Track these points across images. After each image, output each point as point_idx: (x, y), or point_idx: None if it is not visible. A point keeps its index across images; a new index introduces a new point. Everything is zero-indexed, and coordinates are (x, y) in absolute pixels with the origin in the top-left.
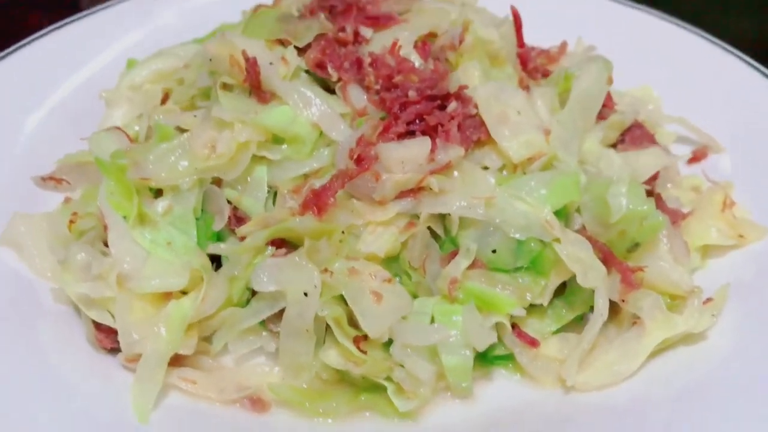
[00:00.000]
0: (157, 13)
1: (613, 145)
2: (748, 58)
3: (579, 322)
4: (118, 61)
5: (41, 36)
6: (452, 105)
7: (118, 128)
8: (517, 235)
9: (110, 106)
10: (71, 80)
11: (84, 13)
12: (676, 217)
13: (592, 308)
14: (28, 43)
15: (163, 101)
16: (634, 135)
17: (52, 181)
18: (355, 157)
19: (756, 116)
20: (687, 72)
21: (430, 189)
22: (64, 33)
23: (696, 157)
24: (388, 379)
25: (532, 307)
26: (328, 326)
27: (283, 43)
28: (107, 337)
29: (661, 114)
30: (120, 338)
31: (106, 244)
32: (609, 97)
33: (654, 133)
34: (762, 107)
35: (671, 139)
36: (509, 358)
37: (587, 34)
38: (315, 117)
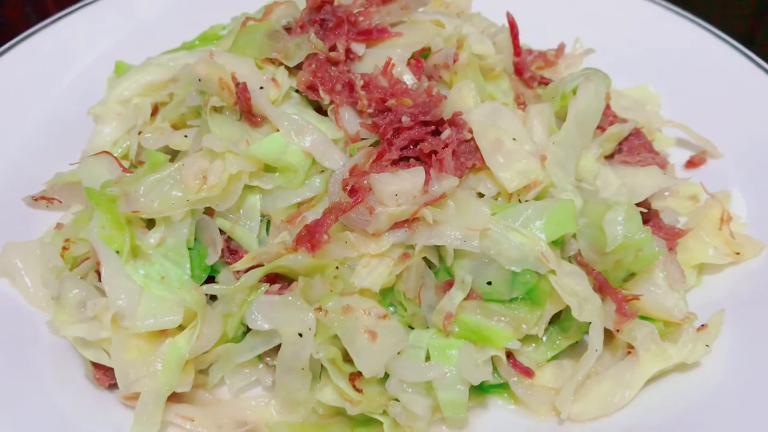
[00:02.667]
0: (141, 8)
1: (611, 155)
2: (746, 50)
3: (574, 346)
4: (105, 59)
5: (22, 39)
6: (446, 132)
7: (108, 153)
8: (513, 267)
9: (99, 122)
10: (57, 84)
11: (66, 11)
12: (672, 236)
13: (587, 333)
14: (10, 48)
15: (153, 113)
16: (632, 144)
17: (43, 200)
18: (348, 188)
19: (756, 112)
20: (686, 64)
21: (425, 220)
22: (48, 33)
23: (694, 163)
24: (384, 413)
25: (527, 336)
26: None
27: (273, 61)
28: (105, 375)
29: (659, 118)
30: (117, 378)
31: (99, 274)
32: (607, 106)
33: (652, 139)
34: (762, 103)
35: (670, 143)
36: (504, 387)
37: (585, 23)
38: (307, 144)
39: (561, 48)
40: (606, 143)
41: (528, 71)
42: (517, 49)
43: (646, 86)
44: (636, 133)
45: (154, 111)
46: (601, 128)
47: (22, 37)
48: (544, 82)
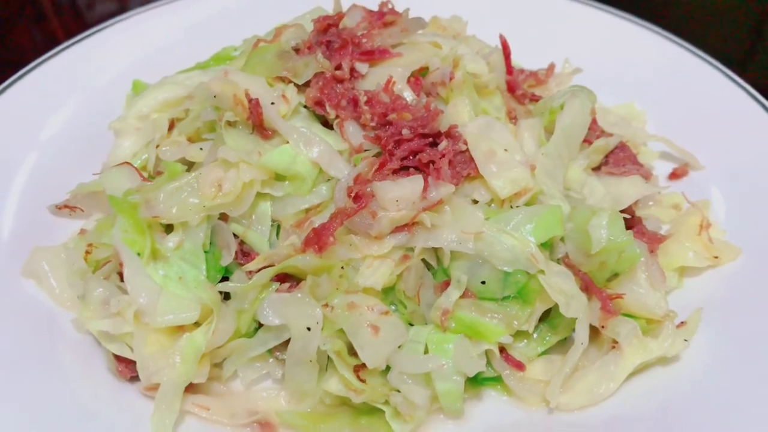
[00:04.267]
0: (156, 31)
1: (598, 167)
2: (729, 72)
3: (563, 343)
4: (123, 78)
5: (45, 60)
6: (443, 144)
7: (129, 164)
8: (505, 268)
9: (119, 136)
10: (79, 101)
11: (84, 34)
12: (654, 241)
13: (574, 330)
14: (32, 69)
15: (170, 128)
16: (618, 157)
17: (66, 209)
18: (352, 194)
19: (734, 126)
20: (669, 84)
21: (423, 224)
22: (69, 54)
23: (676, 174)
24: (386, 403)
25: (518, 332)
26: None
27: (283, 79)
28: (127, 368)
29: (644, 133)
30: (138, 370)
31: (121, 276)
32: (594, 121)
33: (637, 152)
34: (740, 120)
35: (654, 157)
36: (498, 379)
37: (574, 46)
38: (315, 155)
39: (551, 68)
40: (593, 155)
41: (520, 89)
42: (509, 68)
43: (631, 104)
44: (621, 147)
45: (171, 126)
46: (588, 141)
47: (45, 58)
48: (535, 98)
